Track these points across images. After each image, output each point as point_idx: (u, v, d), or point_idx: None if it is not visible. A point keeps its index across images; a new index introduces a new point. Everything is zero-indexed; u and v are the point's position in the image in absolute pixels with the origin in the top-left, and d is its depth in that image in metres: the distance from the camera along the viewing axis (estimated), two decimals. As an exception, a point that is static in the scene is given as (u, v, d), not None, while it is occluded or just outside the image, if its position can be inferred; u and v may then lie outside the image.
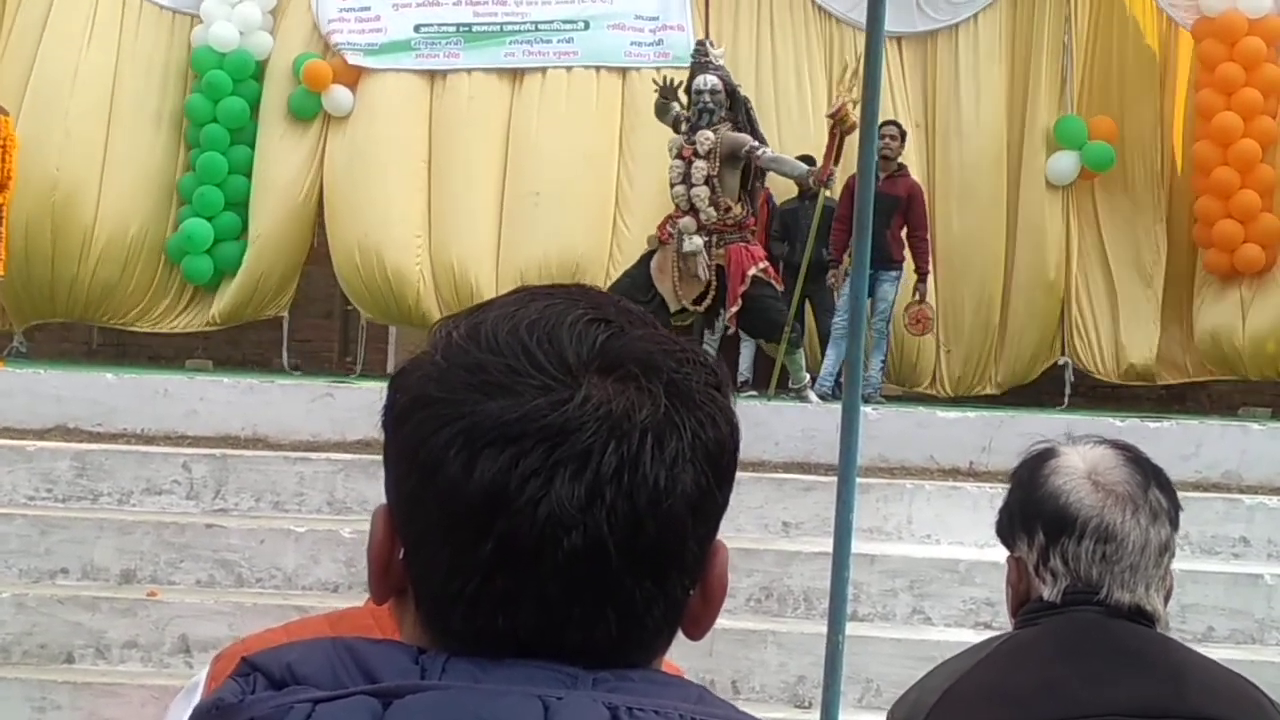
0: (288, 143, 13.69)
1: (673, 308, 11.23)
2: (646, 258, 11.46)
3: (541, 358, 1.12)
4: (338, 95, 13.57)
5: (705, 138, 11.14)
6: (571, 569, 1.09)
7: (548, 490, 1.09)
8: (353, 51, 13.63)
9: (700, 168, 11.14)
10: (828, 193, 11.62)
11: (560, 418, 1.10)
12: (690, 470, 1.12)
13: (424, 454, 1.12)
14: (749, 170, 11.29)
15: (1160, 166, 13.66)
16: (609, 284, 11.83)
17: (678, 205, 11.32)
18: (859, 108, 10.64)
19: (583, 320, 1.14)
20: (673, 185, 11.36)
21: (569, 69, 13.65)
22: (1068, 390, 13.49)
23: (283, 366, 14.03)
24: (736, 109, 11.34)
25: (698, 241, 11.11)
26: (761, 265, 11.21)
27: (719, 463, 1.15)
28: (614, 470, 1.09)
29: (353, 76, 13.64)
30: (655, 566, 1.12)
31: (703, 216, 11.16)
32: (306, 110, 13.65)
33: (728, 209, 11.18)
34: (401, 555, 1.17)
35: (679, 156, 11.30)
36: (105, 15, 13.80)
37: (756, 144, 11.18)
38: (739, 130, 11.23)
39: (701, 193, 11.14)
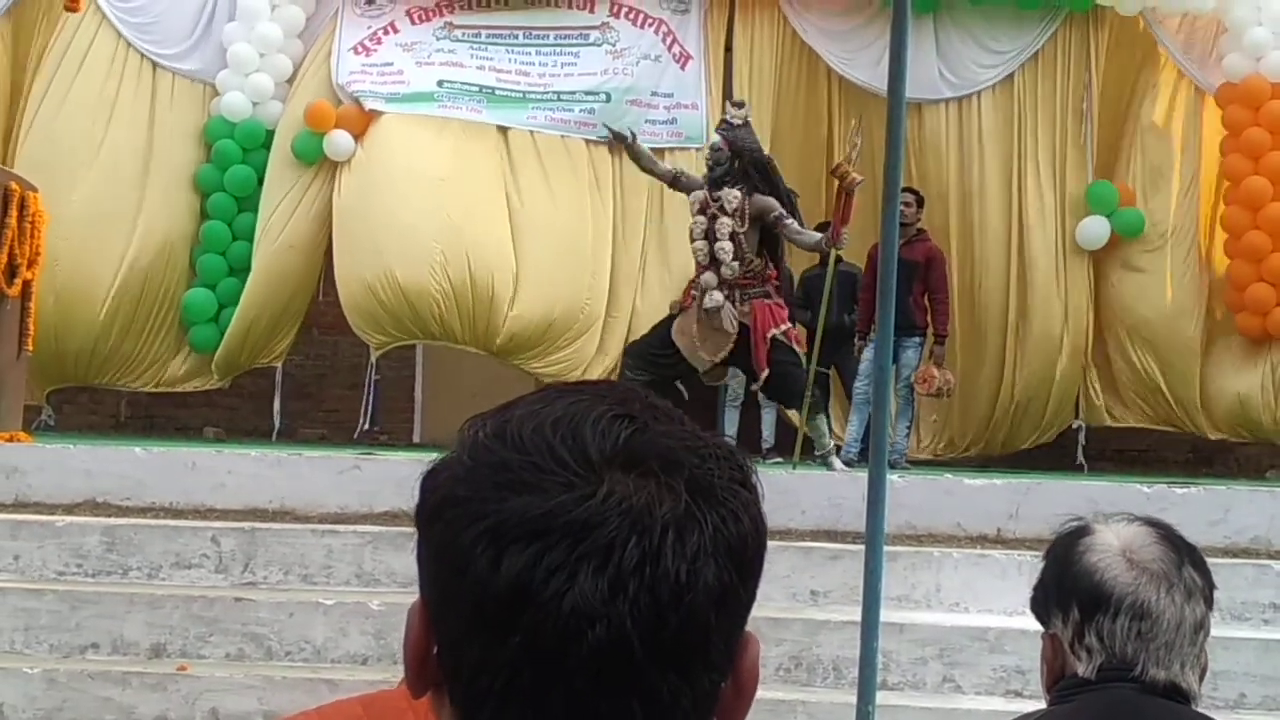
0: (291, 190, 13.75)
1: (700, 368, 11.20)
2: (668, 320, 11.43)
3: (565, 454, 1.14)
4: (339, 139, 13.63)
5: (733, 196, 11.03)
6: (596, 662, 1.11)
7: (571, 584, 1.10)
8: (373, 99, 13.69)
9: (725, 224, 11.04)
10: (839, 252, 11.55)
11: (584, 513, 1.12)
12: (712, 565, 1.14)
13: (453, 552, 1.14)
14: (768, 231, 11.24)
15: (1186, 229, 13.74)
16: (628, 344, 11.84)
17: (697, 260, 11.28)
18: (856, 165, 10.77)
19: (606, 417, 1.17)
20: (693, 240, 11.28)
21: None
22: (1079, 454, 13.52)
23: (310, 438, 14.06)
24: (751, 172, 11.17)
25: (718, 297, 11.05)
26: (783, 328, 11.12)
27: (741, 558, 1.16)
28: (636, 564, 1.11)
29: (359, 125, 13.70)
30: (679, 659, 1.13)
31: (725, 271, 11.07)
32: (309, 153, 13.72)
33: (750, 263, 11.12)
34: (436, 651, 1.19)
35: (700, 212, 11.22)
36: (128, 85, 13.95)
37: (783, 213, 11.10)
38: (757, 192, 11.13)
39: (726, 247, 11.05)
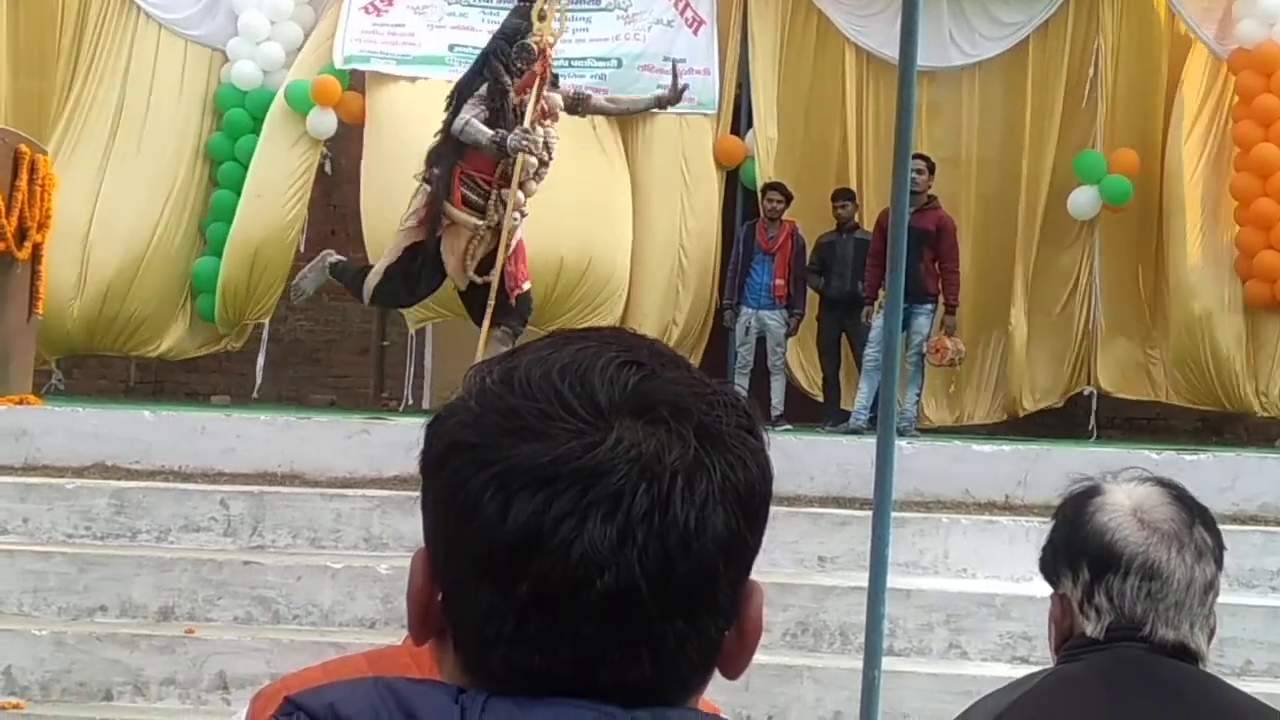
0: (273, 144, 13.72)
1: (461, 286, 11.09)
2: (412, 250, 11.11)
3: (574, 401, 1.14)
4: (322, 119, 13.68)
5: (555, 100, 11.15)
6: (605, 609, 1.11)
7: (580, 531, 1.10)
8: (383, 60, 13.63)
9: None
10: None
11: (592, 460, 1.11)
12: (720, 512, 1.13)
13: (461, 498, 1.14)
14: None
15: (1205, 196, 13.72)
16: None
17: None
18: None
19: (614, 363, 1.16)
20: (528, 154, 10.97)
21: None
22: (1093, 420, 13.50)
23: (319, 403, 14.04)
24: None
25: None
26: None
27: (749, 505, 1.16)
28: (645, 511, 1.11)
29: (353, 111, 13.70)
30: (687, 606, 1.13)
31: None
32: (300, 104, 13.72)
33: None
34: (440, 598, 1.18)
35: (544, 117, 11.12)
36: (138, 50, 13.91)
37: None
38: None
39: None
